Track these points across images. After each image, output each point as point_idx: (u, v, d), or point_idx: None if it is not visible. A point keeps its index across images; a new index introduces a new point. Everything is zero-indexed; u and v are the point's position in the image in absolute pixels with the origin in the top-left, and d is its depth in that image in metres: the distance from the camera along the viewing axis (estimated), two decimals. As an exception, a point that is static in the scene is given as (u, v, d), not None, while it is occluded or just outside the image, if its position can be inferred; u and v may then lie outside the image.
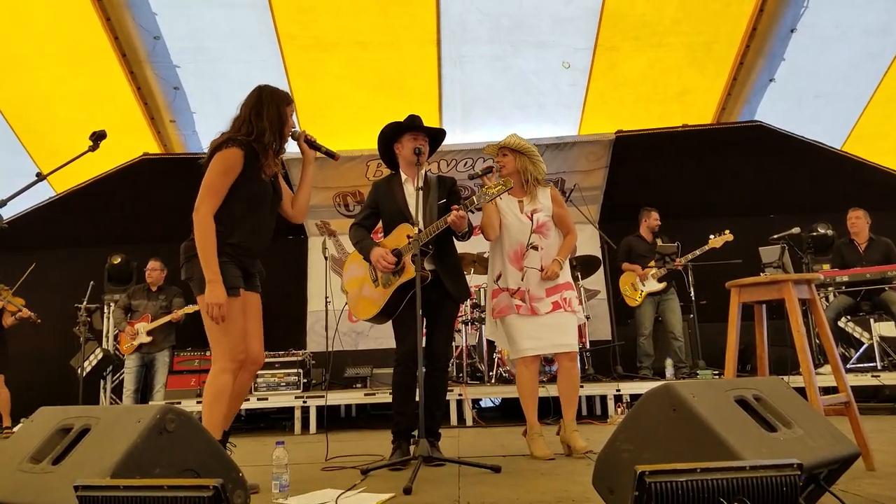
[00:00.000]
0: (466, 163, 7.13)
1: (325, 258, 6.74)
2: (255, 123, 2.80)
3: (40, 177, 3.03)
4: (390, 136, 3.61)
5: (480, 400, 6.62)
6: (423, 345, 3.24)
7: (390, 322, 3.54)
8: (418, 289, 3.08)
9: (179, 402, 5.41)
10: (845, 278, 5.59)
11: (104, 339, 6.83)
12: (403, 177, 3.56)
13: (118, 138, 6.33)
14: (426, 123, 3.61)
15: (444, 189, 3.54)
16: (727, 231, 5.81)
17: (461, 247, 3.69)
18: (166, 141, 7.24)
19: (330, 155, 3.09)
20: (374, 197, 3.60)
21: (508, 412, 6.56)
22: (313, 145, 3.05)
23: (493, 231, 3.56)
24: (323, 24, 6.27)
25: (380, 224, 3.65)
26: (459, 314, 6.25)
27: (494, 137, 6.98)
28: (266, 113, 2.81)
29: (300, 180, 3.08)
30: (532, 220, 3.54)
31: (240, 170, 2.73)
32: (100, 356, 6.42)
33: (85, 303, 6.15)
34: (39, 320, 6.21)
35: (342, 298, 6.93)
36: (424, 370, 3.25)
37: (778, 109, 6.84)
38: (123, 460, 1.67)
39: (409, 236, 3.30)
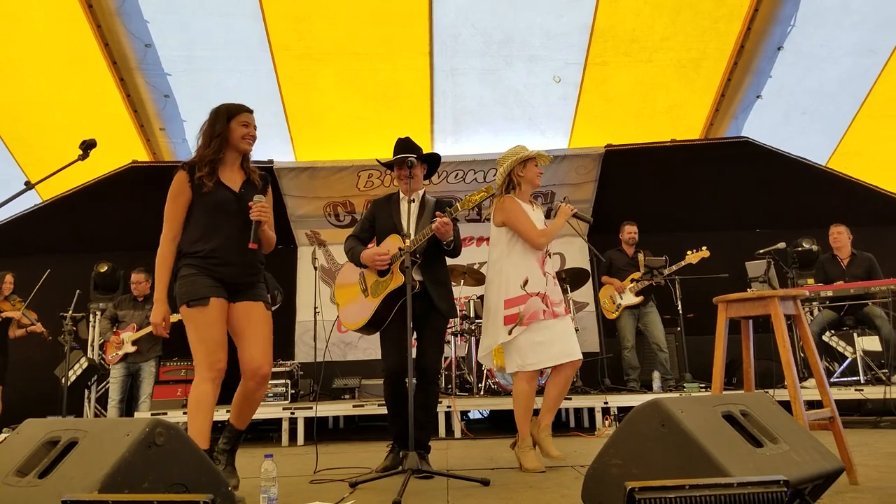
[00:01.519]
0: (457, 174, 7.15)
1: (315, 268, 6.72)
2: (203, 142, 3.00)
3: (29, 185, 3.01)
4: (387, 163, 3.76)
5: (469, 412, 6.61)
6: (409, 357, 3.26)
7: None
8: (409, 297, 3.11)
9: (165, 413, 5.37)
10: (829, 293, 5.65)
11: (89, 349, 6.76)
12: (401, 195, 3.66)
13: (107, 146, 6.24)
14: (418, 135, 3.69)
15: (440, 210, 3.58)
16: (704, 247, 5.89)
17: (450, 260, 3.72)
18: (155, 149, 7.21)
19: (256, 234, 2.93)
20: (372, 212, 3.71)
21: (497, 424, 6.56)
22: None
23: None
24: (316, 35, 6.29)
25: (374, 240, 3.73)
26: (449, 326, 6.26)
27: (485, 150, 7.09)
28: (209, 131, 2.99)
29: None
30: None
31: (188, 191, 2.91)
32: (85, 366, 6.34)
33: (70, 311, 6.09)
34: (50, 337, 6.13)
35: (331, 309, 6.95)
36: (414, 383, 3.26)
37: (764, 126, 6.93)
38: (112, 474, 1.66)
39: (400, 248, 3.34)
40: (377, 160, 3.83)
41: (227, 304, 2.89)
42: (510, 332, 3.43)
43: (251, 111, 3.09)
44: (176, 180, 2.92)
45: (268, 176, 3.21)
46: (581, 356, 3.55)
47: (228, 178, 2.98)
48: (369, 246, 3.66)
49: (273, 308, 3.14)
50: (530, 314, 3.43)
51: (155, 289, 2.89)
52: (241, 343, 2.93)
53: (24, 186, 2.95)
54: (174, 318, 2.98)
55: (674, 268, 6.04)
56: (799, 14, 6.06)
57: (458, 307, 6.26)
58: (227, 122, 2.98)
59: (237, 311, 2.91)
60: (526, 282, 3.50)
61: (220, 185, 2.94)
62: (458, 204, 3.33)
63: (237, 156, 3.04)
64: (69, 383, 6.03)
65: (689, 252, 5.94)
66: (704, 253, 5.87)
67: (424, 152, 3.69)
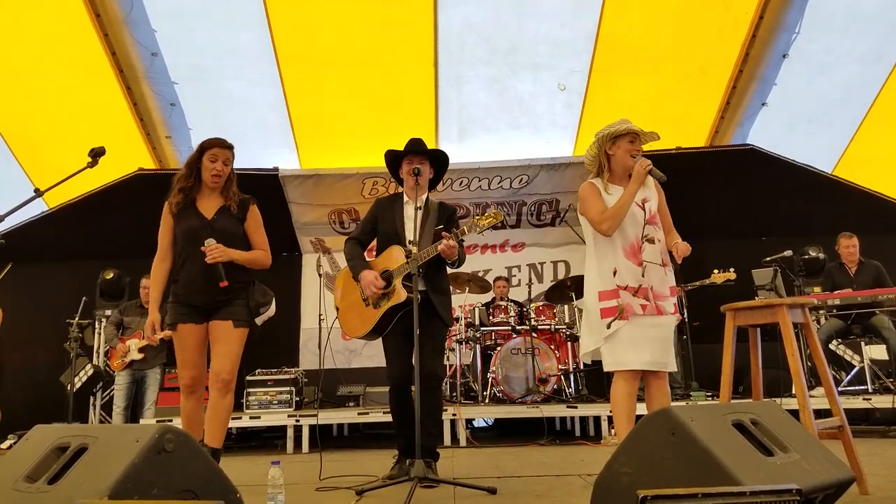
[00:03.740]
0: (462, 182, 7.15)
1: (320, 275, 6.73)
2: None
3: (38, 193, 3.02)
4: (394, 161, 3.67)
5: (474, 420, 6.59)
6: (414, 364, 3.26)
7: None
8: (416, 311, 3.11)
9: (171, 420, 5.36)
10: (837, 301, 5.63)
11: (95, 356, 6.76)
12: (405, 198, 3.61)
13: (113, 153, 6.25)
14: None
15: (443, 215, 3.57)
16: (731, 269, 5.68)
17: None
18: (161, 157, 7.24)
19: (220, 274, 3.17)
20: (374, 213, 3.67)
21: (502, 432, 6.54)
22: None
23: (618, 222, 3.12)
24: (322, 43, 6.31)
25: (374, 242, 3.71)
26: (454, 333, 6.25)
27: (490, 157, 7.10)
28: (188, 160, 3.33)
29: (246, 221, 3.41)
30: (644, 210, 3.17)
31: (170, 219, 3.28)
32: (90, 372, 6.34)
33: (77, 318, 6.10)
34: None
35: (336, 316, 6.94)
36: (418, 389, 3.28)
37: (770, 133, 6.92)
38: (121, 480, 1.66)
39: (407, 256, 3.34)
40: (386, 152, 3.64)
41: (201, 326, 3.23)
42: (608, 327, 3.03)
43: (225, 146, 3.27)
44: (163, 211, 3.32)
45: (250, 199, 3.39)
46: (672, 367, 3.10)
47: (205, 205, 3.26)
48: (372, 250, 3.65)
49: (260, 318, 3.40)
50: (626, 308, 3.02)
51: (150, 299, 3.36)
52: (211, 356, 3.27)
53: (34, 194, 2.96)
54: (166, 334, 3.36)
55: (696, 284, 5.99)
56: (804, 21, 6.05)
57: (462, 315, 6.30)
58: (201, 155, 3.26)
59: (210, 328, 3.23)
60: (615, 272, 3.08)
61: (193, 213, 3.24)
62: (464, 227, 3.28)
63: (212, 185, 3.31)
64: (74, 390, 6.03)
65: (715, 271, 5.74)
66: (731, 275, 5.60)
67: (432, 158, 3.66)
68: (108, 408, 6.55)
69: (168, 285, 3.32)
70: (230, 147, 3.31)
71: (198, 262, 3.16)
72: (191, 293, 3.21)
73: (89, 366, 6.40)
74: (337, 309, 3.76)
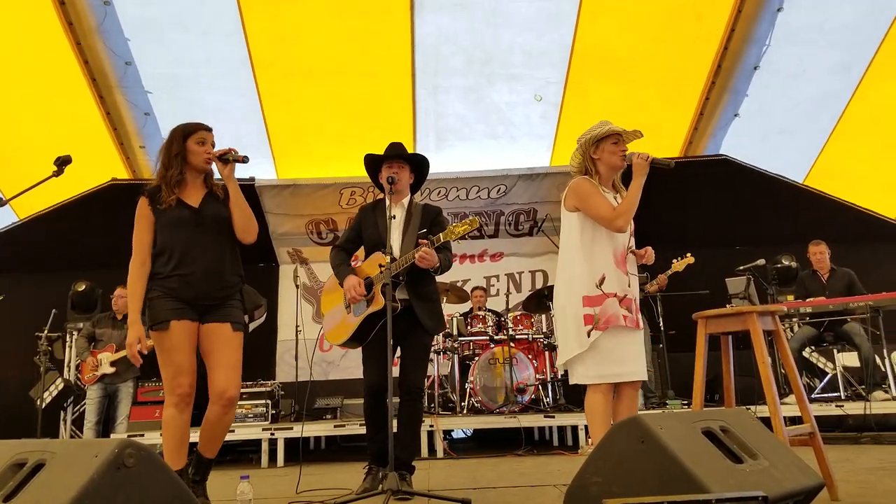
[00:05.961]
0: (440, 191, 7.16)
1: (297, 286, 6.67)
2: (162, 163, 3.00)
3: (2, 202, 2.97)
4: (373, 166, 3.62)
5: (452, 431, 6.56)
6: (395, 375, 3.22)
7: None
8: (389, 320, 3.08)
9: (142, 435, 5.27)
10: (809, 309, 5.70)
11: (66, 369, 6.63)
12: (388, 203, 3.51)
13: (86, 163, 6.21)
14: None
15: (427, 218, 3.52)
16: (688, 254, 5.82)
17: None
18: (135, 167, 7.15)
19: (238, 160, 2.99)
20: (359, 221, 3.62)
21: (480, 443, 6.51)
22: (223, 158, 3.00)
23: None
24: (298, 53, 6.30)
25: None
26: (432, 344, 6.22)
27: (467, 167, 7.11)
28: (167, 150, 2.99)
29: (229, 199, 3.03)
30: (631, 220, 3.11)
31: (150, 214, 2.95)
32: (60, 387, 6.22)
33: (46, 331, 5.98)
34: None
35: (313, 328, 6.87)
36: (398, 400, 3.23)
37: (742, 144, 7.02)
38: (78, 498, 1.61)
39: (380, 265, 3.30)
40: (365, 157, 3.58)
41: (196, 325, 2.89)
42: (589, 335, 2.89)
43: (209, 129, 3.06)
44: (139, 207, 2.98)
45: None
46: (646, 375, 3.06)
47: (189, 195, 2.99)
48: (356, 256, 3.62)
49: (253, 323, 3.16)
50: (606, 318, 2.89)
51: (129, 312, 2.95)
52: (207, 366, 2.93)
53: (-3, 202, 2.91)
54: (150, 343, 2.97)
55: (663, 276, 6.04)
56: (774, 34, 6.16)
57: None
58: (184, 142, 2.98)
59: (205, 332, 2.91)
60: (602, 280, 2.93)
61: (179, 203, 2.94)
62: (441, 234, 3.22)
63: (198, 174, 3.04)
64: (44, 405, 5.90)
65: (673, 261, 5.89)
66: (689, 259, 5.73)
67: (413, 163, 3.61)
68: (79, 423, 6.41)
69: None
70: (211, 129, 3.08)
71: (189, 251, 2.89)
72: (183, 284, 2.87)
73: (60, 380, 6.28)
74: (323, 315, 3.73)
